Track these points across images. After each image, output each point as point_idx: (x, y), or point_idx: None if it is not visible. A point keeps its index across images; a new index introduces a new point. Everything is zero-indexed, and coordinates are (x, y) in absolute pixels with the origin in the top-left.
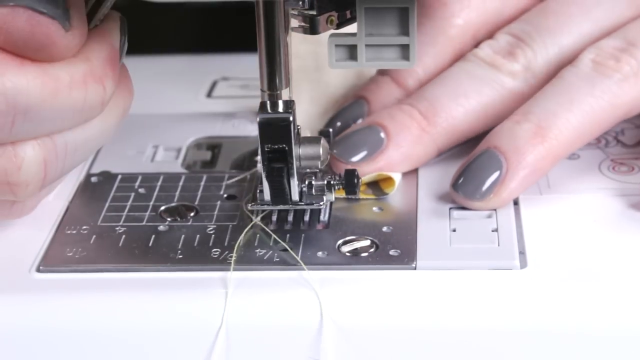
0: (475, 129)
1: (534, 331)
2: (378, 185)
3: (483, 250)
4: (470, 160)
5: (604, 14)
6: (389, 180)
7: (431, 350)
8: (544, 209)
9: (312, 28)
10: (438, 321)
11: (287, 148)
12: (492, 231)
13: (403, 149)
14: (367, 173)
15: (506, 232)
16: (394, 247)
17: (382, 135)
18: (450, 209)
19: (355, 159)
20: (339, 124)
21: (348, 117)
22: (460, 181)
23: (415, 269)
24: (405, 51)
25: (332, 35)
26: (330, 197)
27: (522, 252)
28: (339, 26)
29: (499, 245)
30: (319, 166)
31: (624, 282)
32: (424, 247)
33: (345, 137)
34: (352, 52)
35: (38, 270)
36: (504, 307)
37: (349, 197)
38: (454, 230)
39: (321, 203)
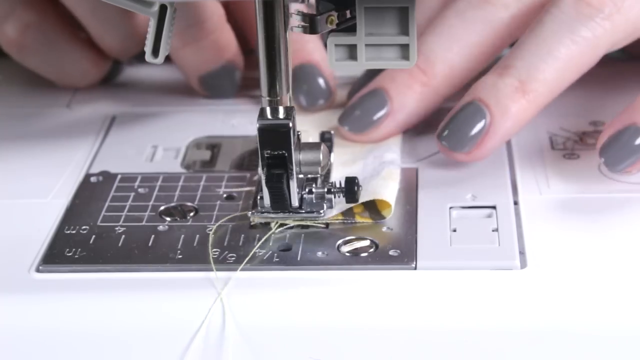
0: (476, 68)
1: (534, 331)
2: (375, 208)
3: (483, 250)
4: (455, 112)
5: None
6: (384, 203)
7: (431, 351)
8: (544, 209)
9: (312, 27)
10: (438, 321)
11: (286, 154)
12: (492, 231)
13: (408, 108)
14: (373, 139)
15: (506, 232)
16: (394, 247)
17: (386, 98)
18: (450, 208)
19: (361, 128)
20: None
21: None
22: (445, 132)
23: (415, 269)
24: (405, 51)
25: (332, 35)
26: (330, 209)
27: (522, 252)
28: (338, 26)
29: (499, 245)
30: (319, 172)
31: (623, 282)
32: (424, 247)
33: (350, 108)
34: (352, 52)
35: (38, 270)
36: (504, 307)
37: (347, 220)
38: (454, 230)
39: (321, 211)
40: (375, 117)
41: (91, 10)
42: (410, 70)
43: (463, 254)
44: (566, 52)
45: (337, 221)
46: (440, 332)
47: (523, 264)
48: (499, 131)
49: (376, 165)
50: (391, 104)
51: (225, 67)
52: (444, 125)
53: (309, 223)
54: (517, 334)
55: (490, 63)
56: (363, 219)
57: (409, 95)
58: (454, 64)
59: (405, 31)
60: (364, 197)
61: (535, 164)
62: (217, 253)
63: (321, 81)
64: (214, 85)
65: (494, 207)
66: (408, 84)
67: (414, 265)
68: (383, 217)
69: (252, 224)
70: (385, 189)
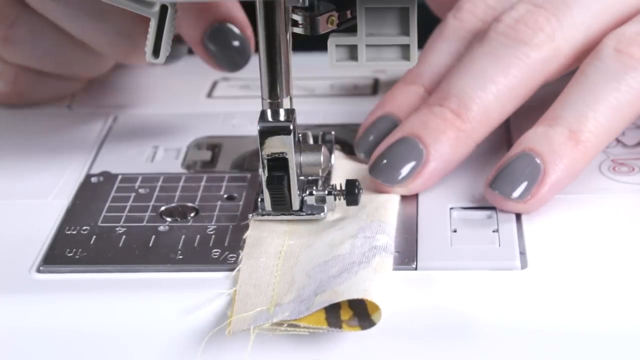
0: (508, 112)
1: (535, 331)
2: (365, 311)
3: (484, 250)
4: (507, 162)
5: None
6: (374, 303)
7: (431, 351)
8: (545, 210)
9: (312, 28)
10: (438, 322)
11: (287, 156)
12: (493, 232)
13: (445, 156)
14: (411, 191)
15: (507, 233)
16: (394, 247)
17: (421, 146)
18: (450, 209)
19: (397, 179)
20: (371, 137)
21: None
22: (497, 181)
23: (415, 269)
24: (405, 51)
25: (333, 35)
26: (331, 207)
27: (522, 253)
28: (339, 26)
29: (499, 245)
30: (320, 174)
31: (624, 283)
32: (425, 247)
33: (381, 156)
34: (352, 52)
35: (38, 270)
36: (505, 308)
37: (333, 330)
38: (455, 231)
39: (322, 214)
40: (411, 167)
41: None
42: (443, 114)
43: (463, 255)
44: (614, 102)
45: (321, 330)
46: (440, 332)
47: (524, 265)
48: (553, 182)
49: (366, 250)
50: (427, 152)
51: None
52: (494, 174)
53: (290, 330)
54: (518, 334)
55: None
56: (351, 329)
57: (444, 141)
58: (489, 106)
59: (405, 31)
60: (351, 293)
61: None
62: (217, 253)
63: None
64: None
65: (494, 208)
66: (442, 129)
67: (414, 266)
68: (373, 323)
69: (227, 333)
70: (375, 285)
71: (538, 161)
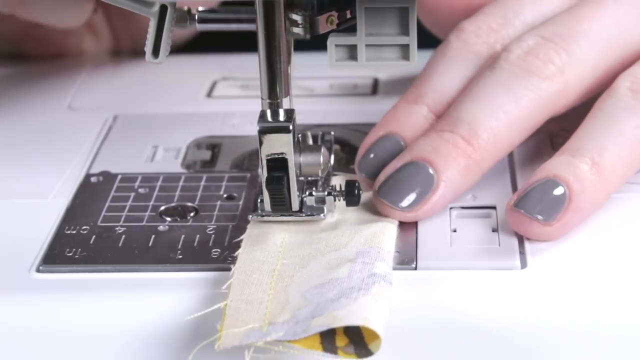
0: (516, 143)
1: (534, 331)
2: (362, 340)
3: (483, 250)
4: (531, 186)
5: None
6: (372, 331)
7: (430, 351)
8: None
9: (312, 28)
10: (438, 322)
11: (287, 157)
12: (493, 231)
13: (454, 183)
14: (418, 217)
15: (506, 233)
16: (394, 247)
17: (431, 171)
18: (450, 208)
19: (405, 203)
20: (372, 155)
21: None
22: (522, 200)
23: (415, 269)
24: (405, 51)
25: (332, 35)
26: (330, 207)
27: (522, 253)
28: (339, 26)
29: (499, 245)
30: (320, 174)
31: (624, 282)
32: (425, 247)
33: (390, 177)
34: (352, 52)
35: (38, 270)
36: (505, 308)
37: (327, 355)
38: (455, 231)
39: (322, 215)
40: (420, 192)
41: None
42: (455, 141)
43: (463, 254)
44: (633, 136)
45: (315, 355)
46: (440, 332)
47: (523, 264)
48: (579, 207)
49: (365, 276)
50: (438, 178)
51: None
52: (519, 195)
53: (283, 351)
54: (518, 334)
55: None
56: (346, 355)
57: (454, 168)
58: (500, 135)
59: (405, 31)
60: (351, 319)
61: (535, 164)
62: (217, 253)
63: None
64: None
65: (494, 208)
66: (454, 156)
67: (414, 266)
68: (370, 353)
69: (217, 347)
70: (375, 314)
71: (564, 188)
